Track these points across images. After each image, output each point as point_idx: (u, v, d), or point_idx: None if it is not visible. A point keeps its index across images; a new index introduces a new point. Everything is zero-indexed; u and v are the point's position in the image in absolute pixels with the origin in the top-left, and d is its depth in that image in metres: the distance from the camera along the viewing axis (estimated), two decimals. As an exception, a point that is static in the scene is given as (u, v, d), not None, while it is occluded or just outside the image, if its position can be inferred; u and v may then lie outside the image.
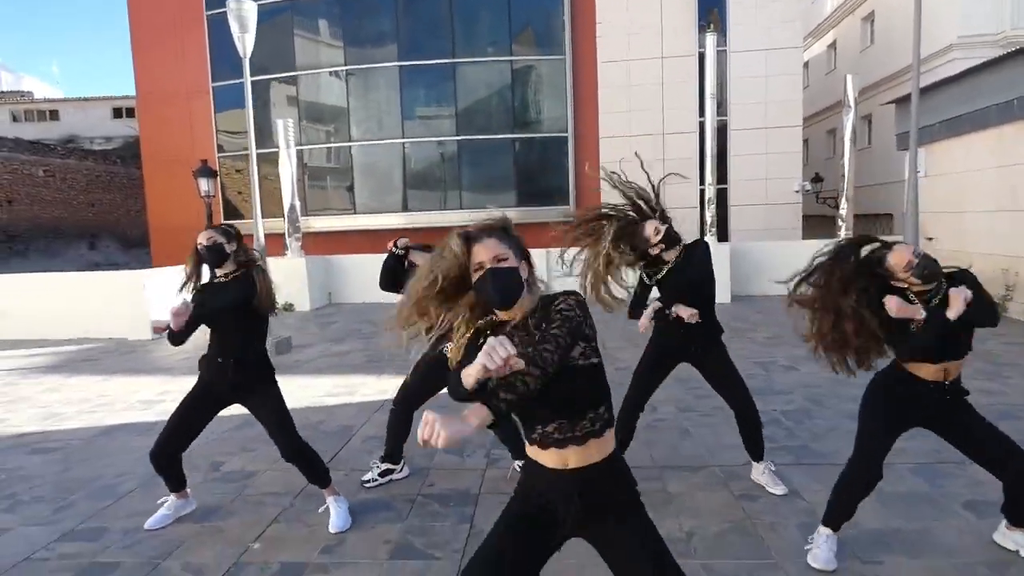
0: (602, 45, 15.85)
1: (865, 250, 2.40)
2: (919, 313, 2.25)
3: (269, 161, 14.67)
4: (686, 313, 3.00)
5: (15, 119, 30.80)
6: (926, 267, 2.27)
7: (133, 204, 25.62)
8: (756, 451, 3.32)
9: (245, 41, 7.55)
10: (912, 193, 8.66)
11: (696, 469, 3.59)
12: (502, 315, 1.62)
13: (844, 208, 11.01)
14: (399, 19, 16.60)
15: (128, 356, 7.73)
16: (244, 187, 17.99)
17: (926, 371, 2.39)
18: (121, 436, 4.60)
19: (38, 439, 4.60)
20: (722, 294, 7.57)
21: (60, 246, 23.30)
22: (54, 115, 31.14)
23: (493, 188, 16.98)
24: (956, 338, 2.33)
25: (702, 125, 13.31)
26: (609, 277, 2.69)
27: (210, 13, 17.06)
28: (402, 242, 3.32)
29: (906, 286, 2.34)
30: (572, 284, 2.09)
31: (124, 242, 25.84)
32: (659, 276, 3.12)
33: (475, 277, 1.58)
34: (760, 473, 3.32)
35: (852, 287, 2.31)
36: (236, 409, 3.34)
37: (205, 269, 2.98)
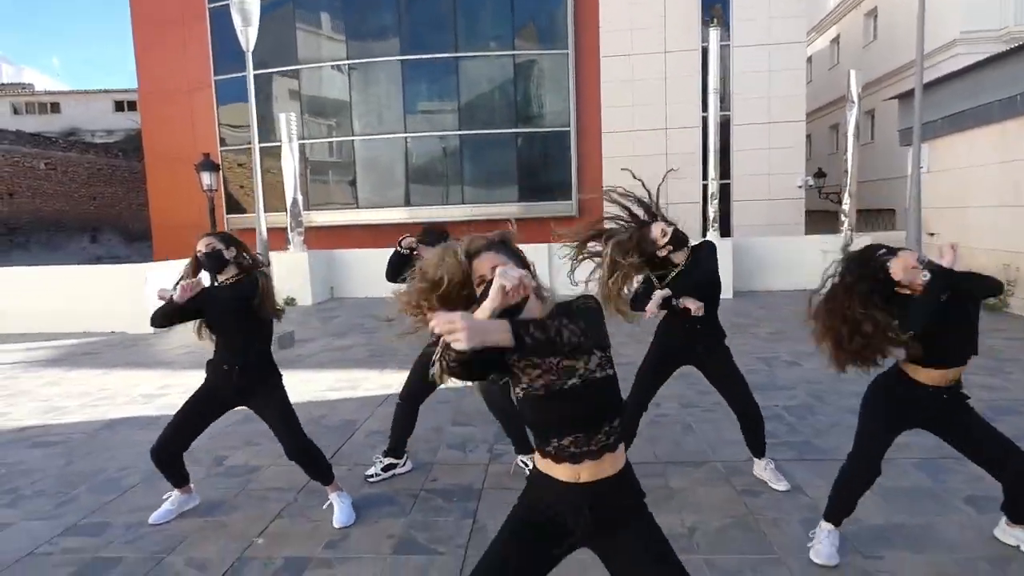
0: (605, 40, 15.80)
1: (870, 258, 2.39)
2: (922, 276, 2.25)
3: (271, 155, 14.65)
4: (693, 306, 2.99)
5: (16, 111, 30.77)
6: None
7: (135, 198, 25.62)
8: (758, 449, 3.33)
9: (248, 35, 7.53)
10: (915, 188, 8.64)
11: (698, 464, 3.59)
12: None
13: (847, 203, 10.98)
14: (401, 13, 16.55)
15: (129, 350, 7.74)
16: (246, 181, 17.98)
17: (927, 375, 2.39)
18: (123, 430, 4.60)
19: (39, 433, 4.60)
20: (724, 290, 7.57)
21: (62, 239, 23.32)
22: (55, 108, 31.10)
23: (495, 183, 16.96)
24: (960, 335, 2.32)
25: (705, 120, 13.28)
26: (625, 288, 2.63)
27: (212, 6, 17.03)
28: (407, 242, 3.32)
29: (910, 292, 2.33)
30: (579, 291, 2.06)
31: (126, 236, 25.85)
32: (669, 279, 3.09)
33: (479, 292, 1.53)
34: (762, 469, 3.33)
35: (856, 294, 2.31)
36: (239, 404, 3.35)
37: (205, 277, 2.99)
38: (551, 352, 1.42)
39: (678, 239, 2.98)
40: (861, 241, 10.14)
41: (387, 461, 3.52)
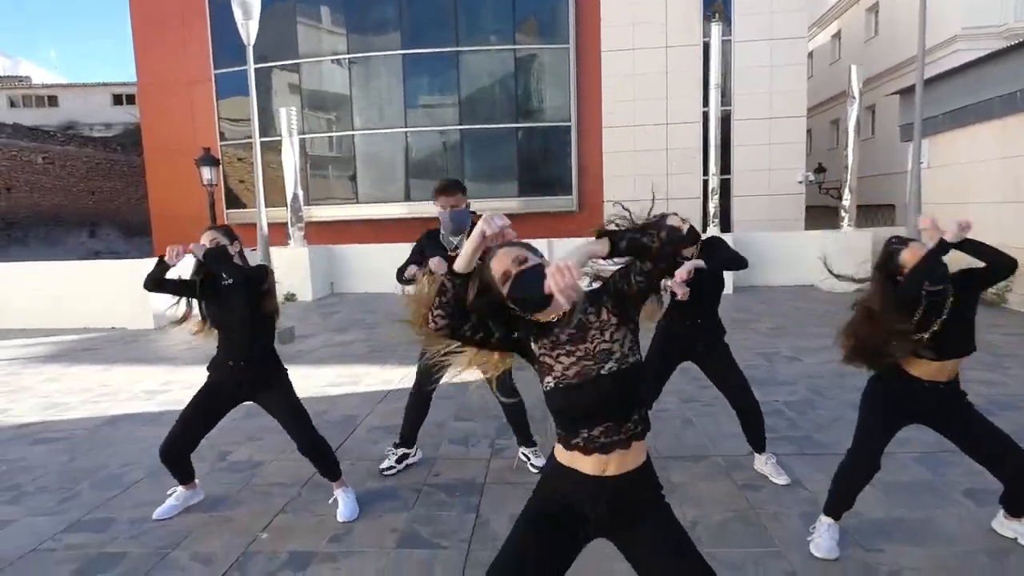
0: (606, 34, 15.77)
1: (884, 254, 2.42)
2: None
3: (271, 150, 14.62)
4: (680, 290, 2.93)
5: (13, 104, 30.66)
6: (939, 272, 2.30)
7: (134, 192, 25.56)
8: (758, 444, 3.35)
9: (249, 28, 7.50)
10: (915, 184, 8.65)
11: (699, 459, 3.61)
12: (540, 316, 1.56)
13: (847, 199, 10.98)
14: (402, 7, 16.50)
15: (130, 346, 7.74)
16: (246, 176, 17.95)
17: (923, 369, 2.40)
18: (125, 426, 4.61)
19: (40, 429, 4.60)
20: (724, 285, 7.59)
21: (60, 234, 23.28)
22: (53, 101, 31.00)
23: (496, 178, 16.96)
24: (958, 330, 2.33)
25: (706, 115, 13.28)
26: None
27: None
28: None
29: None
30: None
31: (125, 230, 25.80)
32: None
33: (505, 290, 1.53)
34: (763, 463, 3.34)
35: (876, 290, 2.36)
36: (243, 399, 3.35)
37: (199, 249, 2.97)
38: (646, 254, 1.45)
39: (692, 234, 3.00)
40: (860, 236, 10.16)
41: (400, 452, 3.56)
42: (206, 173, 13.56)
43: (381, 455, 3.74)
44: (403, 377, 5.65)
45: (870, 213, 17.09)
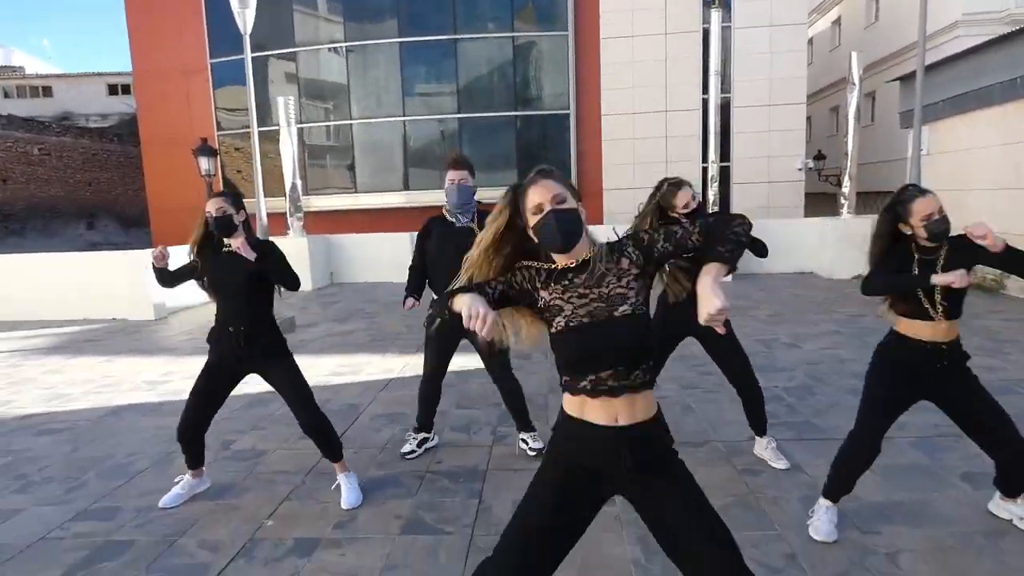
0: (605, 21, 15.67)
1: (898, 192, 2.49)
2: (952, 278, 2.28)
3: (269, 139, 14.57)
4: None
5: (7, 95, 30.46)
6: (940, 228, 2.35)
7: (131, 183, 25.46)
8: (759, 426, 3.37)
9: (245, 17, 7.46)
10: (915, 171, 8.64)
11: (699, 444, 3.64)
12: (560, 261, 1.57)
13: (846, 186, 10.97)
14: (398, -6, 16.39)
15: (131, 337, 7.76)
16: (243, 165, 17.90)
17: (922, 330, 2.42)
18: (129, 416, 4.63)
19: (44, 420, 4.63)
20: (724, 273, 7.61)
21: (58, 226, 23.21)
22: (47, 91, 30.80)
23: (494, 166, 16.91)
24: (954, 290, 2.36)
25: (705, 102, 13.23)
26: None
27: (206, -12, 16.85)
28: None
29: (911, 233, 2.40)
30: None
31: (123, 221, 25.74)
32: None
33: (533, 220, 1.53)
34: (763, 448, 3.37)
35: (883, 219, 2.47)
36: (245, 388, 3.36)
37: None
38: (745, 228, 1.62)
39: (698, 212, 3.01)
40: (860, 223, 10.16)
41: (420, 436, 3.65)
42: (204, 163, 13.50)
43: (383, 443, 3.78)
44: (404, 366, 5.67)
45: (870, 200, 17.06)
